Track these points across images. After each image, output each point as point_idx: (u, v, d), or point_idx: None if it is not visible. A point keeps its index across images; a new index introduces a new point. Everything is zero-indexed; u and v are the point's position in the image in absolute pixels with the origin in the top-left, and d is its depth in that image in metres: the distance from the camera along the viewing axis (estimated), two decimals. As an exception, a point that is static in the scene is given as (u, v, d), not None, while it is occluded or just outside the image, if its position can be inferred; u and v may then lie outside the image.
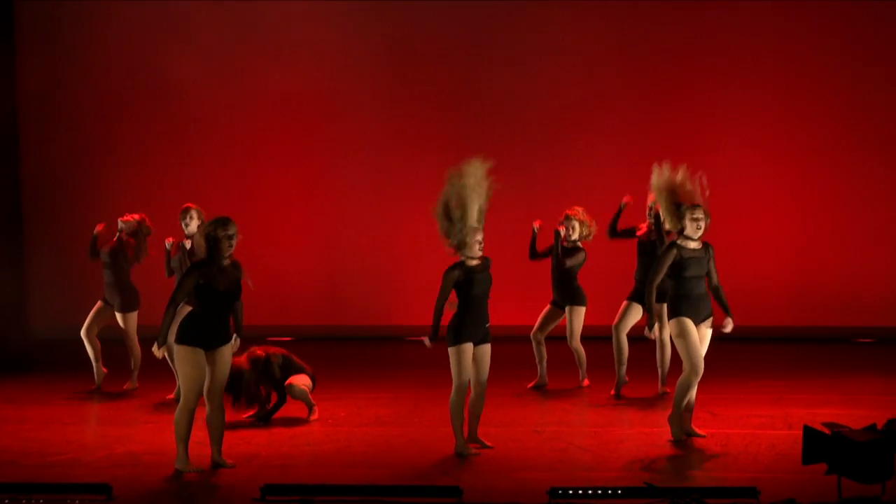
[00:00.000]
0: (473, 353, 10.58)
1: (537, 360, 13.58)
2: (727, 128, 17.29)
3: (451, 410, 10.58)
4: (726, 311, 10.82)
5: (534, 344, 13.60)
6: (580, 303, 13.44)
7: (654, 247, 12.67)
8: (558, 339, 13.74)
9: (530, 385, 13.59)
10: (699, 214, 10.77)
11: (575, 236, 13.40)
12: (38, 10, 18.34)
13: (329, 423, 11.90)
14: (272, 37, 18.03)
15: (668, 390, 12.83)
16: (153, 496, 9.42)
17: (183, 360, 10.00)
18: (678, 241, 10.80)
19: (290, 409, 12.22)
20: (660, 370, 13.06)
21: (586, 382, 13.59)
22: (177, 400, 12.91)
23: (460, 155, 17.40)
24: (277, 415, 12.10)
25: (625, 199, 13.38)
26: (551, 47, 17.59)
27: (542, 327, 13.62)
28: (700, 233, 10.77)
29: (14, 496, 9.18)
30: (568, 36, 17.56)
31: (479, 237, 10.61)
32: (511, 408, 12.52)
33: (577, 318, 13.45)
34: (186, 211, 13.06)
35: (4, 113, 18.15)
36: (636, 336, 13.28)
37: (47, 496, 9.21)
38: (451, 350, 10.57)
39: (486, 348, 10.68)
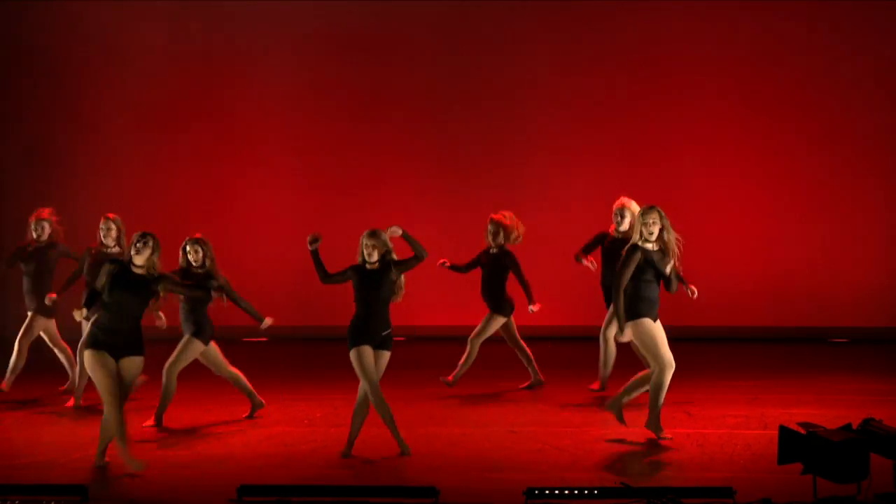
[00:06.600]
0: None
1: (525, 363, 13.57)
2: (703, 129, 17.31)
3: (381, 416, 10.56)
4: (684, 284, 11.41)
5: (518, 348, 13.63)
6: (504, 313, 13.42)
7: (618, 249, 12.76)
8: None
9: (523, 385, 13.60)
10: (653, 218, 10.75)
11: (500, 242, 13.35)
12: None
13: (305, 424, 11.87)
14: (234, 37, 17.99)
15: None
16: (128, 498, 9.38)
17: (91, 365, 10.00)
18: (639, 243, 10.79)
19: (262, 409, 12.23)
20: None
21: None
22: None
23: (423, 154, 17.68)
24: (250, 420, 12.09)
25: (586, 262, 13.30)
26: (515, 47, 17.59)
27: (512, 338, 13.64)
28: (654, 235, 10.76)
29: (-11, 498, 9.16)
30: (536, 34, 17.56)
31: (370, 242, 10.81)
32: (487, 408, 12.52)
33: (494, 325, 13.42)
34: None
35: None
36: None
37: (22, 498, 9.15)
38: (350, 354, 10.58)
39: (383, 355, 10.62)
